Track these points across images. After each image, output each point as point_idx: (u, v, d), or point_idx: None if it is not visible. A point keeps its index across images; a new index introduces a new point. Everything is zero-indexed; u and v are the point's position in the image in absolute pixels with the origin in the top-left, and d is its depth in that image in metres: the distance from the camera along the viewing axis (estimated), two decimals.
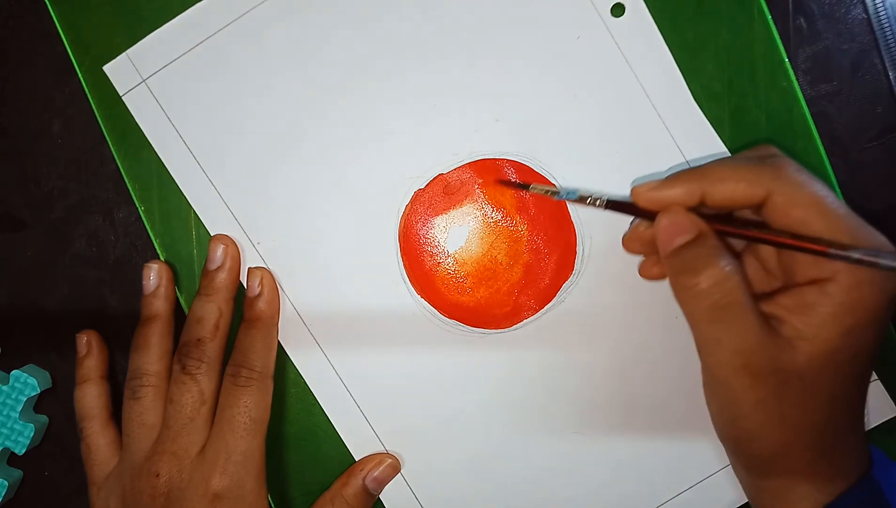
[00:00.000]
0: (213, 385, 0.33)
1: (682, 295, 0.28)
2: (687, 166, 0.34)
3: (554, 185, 0.34)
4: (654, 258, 0.32)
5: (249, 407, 0.32)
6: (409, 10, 0.34)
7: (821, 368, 0.26)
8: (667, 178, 0.29)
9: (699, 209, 0.28)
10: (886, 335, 0.34)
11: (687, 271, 0.27)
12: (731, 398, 0.28)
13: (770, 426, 0.27)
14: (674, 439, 0.35)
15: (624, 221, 0.34)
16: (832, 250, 0.25)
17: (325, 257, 0.35)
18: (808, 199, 0.27)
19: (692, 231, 0.28)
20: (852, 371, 0.27)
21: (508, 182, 0.34)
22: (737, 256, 0.31)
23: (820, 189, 0.27)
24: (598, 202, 0.31)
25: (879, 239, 0.27)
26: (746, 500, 0.32)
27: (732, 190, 0.28)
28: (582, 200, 0.31)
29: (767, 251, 0.30)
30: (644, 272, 0.33)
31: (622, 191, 0.34)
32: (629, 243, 0.33)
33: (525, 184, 0.34)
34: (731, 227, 0.28)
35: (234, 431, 0.32)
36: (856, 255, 0.25)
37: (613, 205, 0.31)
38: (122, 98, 0.35)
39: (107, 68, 0.34)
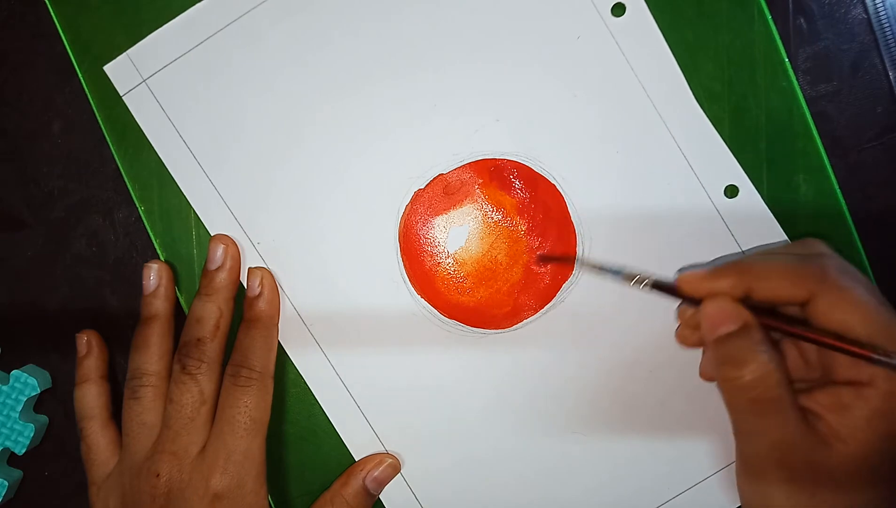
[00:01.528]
0: (213, 385, 0.33)
1: (725, 384, 0.28)
2: (687, 164, 0.34)
3: (599, 265, 0.34)
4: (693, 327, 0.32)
5: (249, 407, 0.32)
6: (410, 10, 0.34)
7: (854, 470, 0.26)
8: (713, 268, 0.29)
9: (744, 300, 0.28)
10: None
11: (731, 363, 0.27)
12: (763, 490, 0.28)
13: None
14: (674, 439, 0.35)
15: (625, 224, 0.34)
16: (875, 356, 0.26)
17: (325, 258, 0.35)
18: (852, 304, 0.27)
19: (737, 321, 0.28)
20: (887, 475, 0.27)
21: (553, 257, 0.34)
22: (777, 342, 0.31)
23: (863, 293, 0.27)
24: (644, 283, 0.31)
25: None
26: None
27: (777, 288, 0.28)
28: (628, 278, 0.32)
29: (808, 344, 0.30)
30: (681, 339, 0.33)
31: (628, 200, 0.34)
32: (683, 337, 0.33)
33: (570, 258, 0.34)
34: (775, 321, 0.28)
35: (234, 431, 0.32)
36: None
37: (659, 286, 0.31)
38: (122, 98, 0.35)
39: (107, 68, 0.34)
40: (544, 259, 0.34)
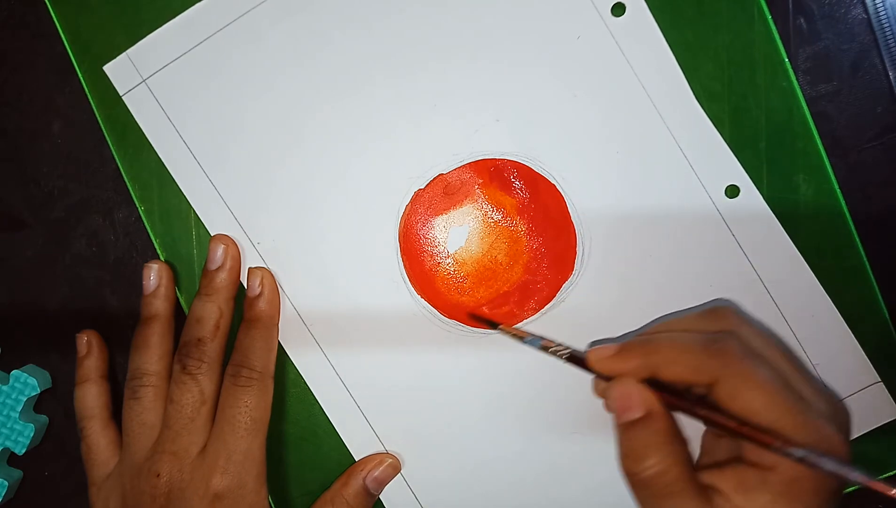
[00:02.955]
0: (213, 385, 0.33)
1: (627, 477, 0.28)
2: (688, 163, 0.34)
3: (518, 333, 0.34)
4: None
5: (250, 407, 0.32)
6: (410, 11, 0.34)
7: None
8: (620, 347, 0.29)
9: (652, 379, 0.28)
10: (887, 335, 0.34)
11: (632, 456, 0.27)
12: None
13: None
14: None
15: (625, 224, 0.34)
16: (775, 444, 0.25)
17: (325, 258, 0.35)
18: (753, 389, 0.27)
19: (640, 409, 0.28)
20: None
21: (479, 318, 0.34)
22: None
23: (766, 376, 0.27)
24: (559, 353, 0.31)
25: (826, 431, 0.26)
26: None
27: (681, 373, 0.28)
28: (544, 348, 0.32)
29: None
30: (606, 408, 0.32)
31: (628, 200, 0.34)
32: (606, 406, 0.32)
33: (494, 324, 0.34)
34: (682, 402, 0.28)
35: (234, 431, 0.32)
36: (798, 454, 0.25)
37: (574, 359, 0.31)
38: (122, 98, 0.35)
39: (107, 68, 0.34)
40: (474, 318, 0.35)
